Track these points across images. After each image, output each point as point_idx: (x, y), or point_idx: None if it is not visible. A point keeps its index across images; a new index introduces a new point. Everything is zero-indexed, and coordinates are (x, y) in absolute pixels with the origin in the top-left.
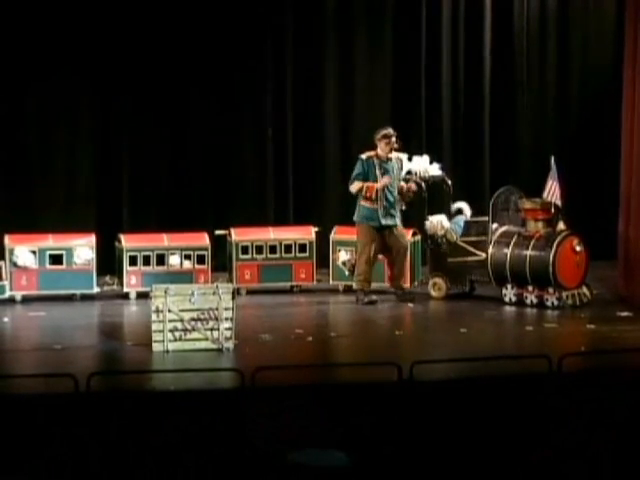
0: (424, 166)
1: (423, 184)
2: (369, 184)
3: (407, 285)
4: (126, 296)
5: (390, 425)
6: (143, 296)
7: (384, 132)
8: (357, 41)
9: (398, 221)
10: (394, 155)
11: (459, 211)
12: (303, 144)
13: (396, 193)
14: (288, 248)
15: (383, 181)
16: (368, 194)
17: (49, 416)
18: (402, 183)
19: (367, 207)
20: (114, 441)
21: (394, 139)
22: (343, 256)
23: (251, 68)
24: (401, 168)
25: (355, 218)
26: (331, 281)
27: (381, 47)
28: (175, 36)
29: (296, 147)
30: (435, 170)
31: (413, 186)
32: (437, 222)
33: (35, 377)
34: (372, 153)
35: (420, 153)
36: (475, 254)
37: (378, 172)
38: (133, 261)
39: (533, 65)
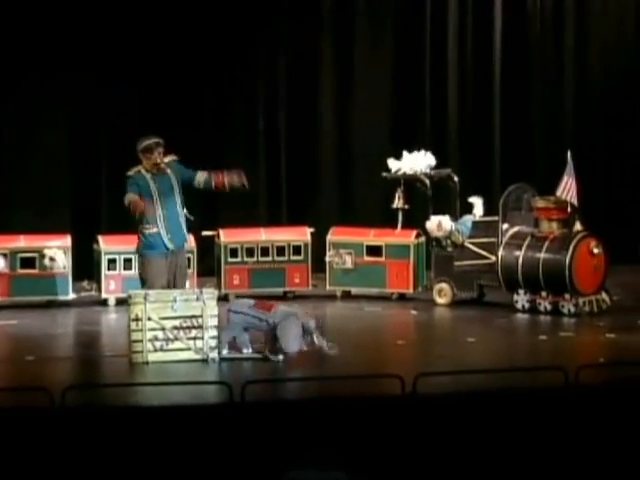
0: (418, 161)
1: (427, 182)
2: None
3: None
4: (104, 303)
5: (392, 442)
6: (123, 302)
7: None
8: (356, 34)
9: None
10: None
11: (470, 206)
12: (297, 139)
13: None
14: (281, 250)
15: None
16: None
17: (21, 432)
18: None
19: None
20: (91, 460)
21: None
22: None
23: (244, 63)
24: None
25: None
26: (328, 286)
27: (382, 38)
28: (163, 34)
29: (290, 142)
30: (429, 160)
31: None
32: (436, 222)
33: (6, 391)
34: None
35: (426, 148)
36: (484, 257)
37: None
38: (112, 265)
39: (549, 52)
